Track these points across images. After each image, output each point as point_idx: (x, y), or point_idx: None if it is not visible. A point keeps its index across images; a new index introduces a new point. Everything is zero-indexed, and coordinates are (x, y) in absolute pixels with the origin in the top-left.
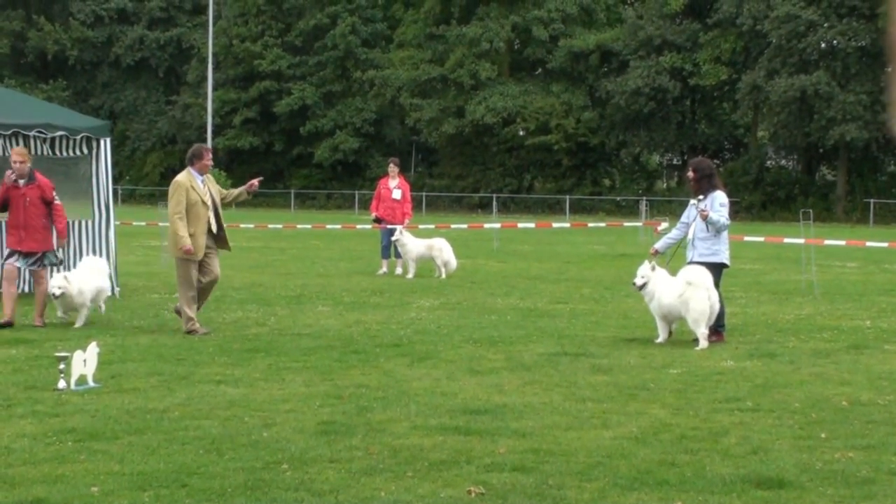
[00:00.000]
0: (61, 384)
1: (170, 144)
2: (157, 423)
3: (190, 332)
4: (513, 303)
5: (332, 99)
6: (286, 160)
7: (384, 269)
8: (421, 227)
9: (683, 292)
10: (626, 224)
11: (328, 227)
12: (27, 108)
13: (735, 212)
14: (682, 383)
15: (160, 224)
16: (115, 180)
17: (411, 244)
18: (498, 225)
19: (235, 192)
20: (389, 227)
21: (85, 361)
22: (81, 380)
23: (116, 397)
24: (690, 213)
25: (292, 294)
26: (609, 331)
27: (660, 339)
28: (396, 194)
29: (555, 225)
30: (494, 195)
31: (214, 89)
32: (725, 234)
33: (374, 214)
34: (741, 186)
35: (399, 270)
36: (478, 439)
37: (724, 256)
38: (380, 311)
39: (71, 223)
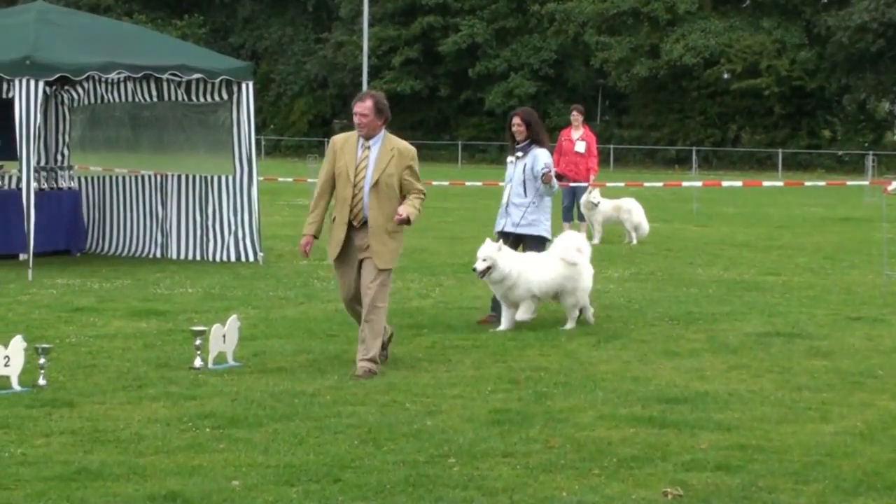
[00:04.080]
0: (198, 362)
1: (320, 89)
2: (305, 408)
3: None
4: (716, 274)
5: (505, 36)
6: (452, 107)
7: None
8: (609, 184)
9: (575, 263)
10: (850, 183)
11: (501, 184)
12: (159, 47)
13: None
14: None
15: (309, 180)
16: (258, 130)
17: (600, 205)
18: (698, 183)
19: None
20: (572, 184)
21: (224, 337)
22: (220, 358)
23: (260, 378)
24: (509, 171)
25: (460, 262)
26: (829, 308)
27: (504, 327)
28: (580, 147)
29: (765, 183)
30: (694, 148)
31: (371, 25)
32: (548, 201)
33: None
34: None
35: (582, 235)
36: (675, 433)
37: (543, 228)
38: None
39: (209, 179)
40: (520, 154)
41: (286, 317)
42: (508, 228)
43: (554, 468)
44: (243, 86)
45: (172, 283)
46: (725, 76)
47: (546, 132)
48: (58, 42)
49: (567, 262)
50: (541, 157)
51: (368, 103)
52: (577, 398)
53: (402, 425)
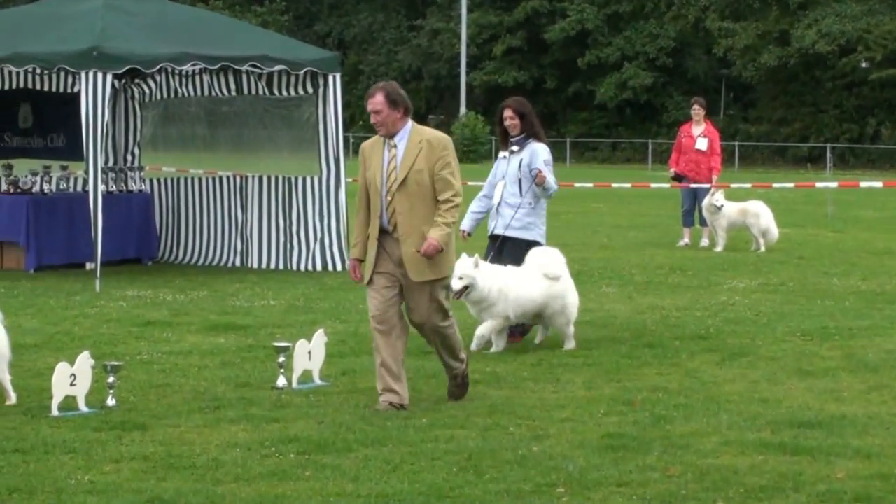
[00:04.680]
0: (281, 382)
1: (414, 81)
2: (399, 432)
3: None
4: (853, 284)
5: (618, 22)
6: (560, 101)
7: (686, 239)
8: (733, 186)
9: (558, 277)
10: None
11: (614, 185)
12: (238, 36)
13: None
14: None
15: None
16: (346, 126)
17: (724, 209)
18: (833, 184)
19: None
20: (693, 186)
21: (310, 354)
22: (305, 376)
23: (349, 399)
24: (498, 169)
25: (569, 271)
26: None
27: (499, 348)
28: (701, 144)
29: None
30: (828, 145)
31: (470, 11)
32: (544, 203)
33: (672, 170)
34: None
35: (705, 241)
36: (808, 460)
37: (538, 233)
38: (680, 294)
39: (293, 180)
40: (515, 149)
41: None
42: (499, 231)
43: (674, 499)
44: (330, 78)
45: (253, 295)
46: (863, 65)
47: (542, 125)
48: (127, 31)
49: (550, 276)
50: (539, 153)
51: (378, 97)
52: (700, 422)
53: (506, 451)
